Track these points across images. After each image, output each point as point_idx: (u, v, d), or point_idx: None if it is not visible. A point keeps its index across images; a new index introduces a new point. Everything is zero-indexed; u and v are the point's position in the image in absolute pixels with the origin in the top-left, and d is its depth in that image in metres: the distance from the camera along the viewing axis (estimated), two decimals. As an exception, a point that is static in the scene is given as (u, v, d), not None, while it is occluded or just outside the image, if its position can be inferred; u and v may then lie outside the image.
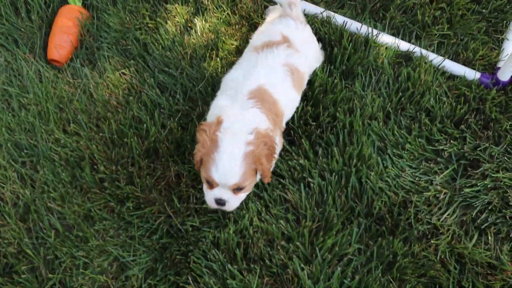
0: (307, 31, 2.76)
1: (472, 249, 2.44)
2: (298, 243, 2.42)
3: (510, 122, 2.76)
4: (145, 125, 2.78)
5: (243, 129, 2.21)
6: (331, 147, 2.68)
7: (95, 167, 2.71)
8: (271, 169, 2.43)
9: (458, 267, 2.44)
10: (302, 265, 2.39)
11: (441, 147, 2.69)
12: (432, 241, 2.47)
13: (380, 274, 2.38)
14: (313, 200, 2.56)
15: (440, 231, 2.51)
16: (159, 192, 2.63)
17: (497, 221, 2.52)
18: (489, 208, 2.55)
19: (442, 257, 2.44)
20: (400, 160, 2.67)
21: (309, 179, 2.60)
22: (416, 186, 2.61)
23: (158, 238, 2.52)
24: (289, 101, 2.55)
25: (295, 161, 2.64)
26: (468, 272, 2.41)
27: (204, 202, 2.45)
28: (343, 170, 2.61)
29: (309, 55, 2.70)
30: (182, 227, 2.53)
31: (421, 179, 2.63)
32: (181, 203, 2.60)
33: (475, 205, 2.56)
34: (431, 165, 2.66)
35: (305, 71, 2.65)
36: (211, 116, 2.40)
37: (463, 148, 2.69)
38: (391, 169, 2.64)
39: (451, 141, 2.71)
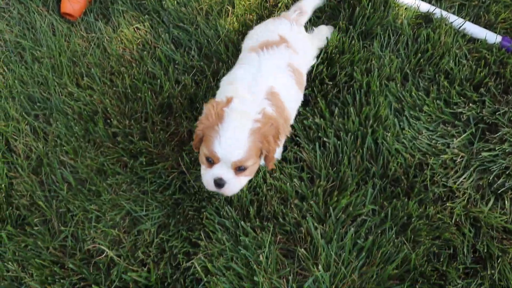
0: (302, 31, 2.72)
1: (487, 213, 2.41)
2: (312, 202, 2.39)
3: (530, 86, 2.72)
4: (159, 80, 2.75)
5: (252, 108, 2.13)
6: (347, 107, 2.65)
7: (108, 121, 2.69)
8: (276, 157, 2.37)
9: (473, 230, 2.41)
10: (315, 224, 2.36)
11: (459, 110, 2.65)
12: (447, 204, 2.44)
13: (394, 235, 2.36)
14: (328, 160, 2.53)
15: (456, 195, 2.48)
16: (172, 148, 2.61)
17: (514, 186, 2.49)
18: (507, 173, 2.51)
19: (457, 220, 2.42)
20: (417, 122, 2.63)
21: (325, 139, 2.57)
22: (433, 149, 2.57)
23: (171, 194, 2.51)
24: (295, 103, 2.50)
25: (310, 120, 2.61)
26: (483, 236, 2.38)
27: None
28: (359, 130, 2.58)
29: (307, 54, 2.66)
30: (195, 183, 2.51)
31: (438, 142, 2.59)
32: (193, 160, 2.58)
33: (492, 170, 2.52)
34: (449, 128, 2.62)
35: (303, 71, 2.58)
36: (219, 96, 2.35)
37: (481, 111, 2.65)
38: (408, 131, 2.60)
39: (470, 104, 2.67)
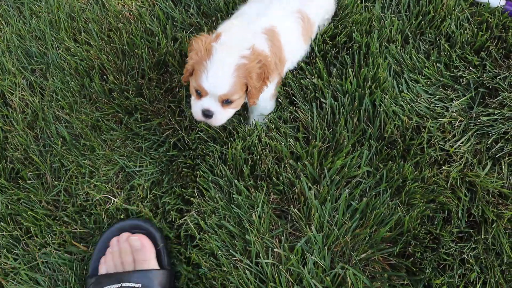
0: None
1: (484, 178, 2.39)
2: (306, 163, 2.37)
3: (532, 50, 2.68)
4: (156, 37, 2.73)
5: (240, 44, 2.17)
6: (345, 68, 2.62)
7: (105, 77, 2.68)
8: (261, 94, 2.38)
9: (469, 195, 2.38)
10: (309, 185, 2.35)
11: (459, 74, 2.61)
12: (443, 168, 2.42)
13: (388, 198, 2.34)
14: (325, 121, 2.51)
15: (453, 158, 2.45)
16: (168, 104, 2.59)
17: (512, 151, 2.46)
18: (505, 137, 2.48)
19: (453, 184, 2.39)
20: (416, 85, 2.60)
21: (322, 99, 2.54)
22: (431, 112, 2.54)
23: (165, 151, 2.50)
24: (294, 50, 2.54)
25: (308, 79, 2.58)
26: (478, 200, 2.35)
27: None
28: (357, 92, 2.54)
29: (322, 5, 2.68)
30: (189, 139, 2.50)
31: (437, 106, 2.56)
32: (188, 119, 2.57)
33: (490, 134, 2.49)
34: (448, 91, 2.59)
35: (315, 21, 2.61)
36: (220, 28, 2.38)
37: (482, 76, 2.61)
38: (406, 94, 2.57)
39: (471, 68, 2.63)
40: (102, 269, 2.23)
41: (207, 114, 2.23)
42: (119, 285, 2.09)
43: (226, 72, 2.12)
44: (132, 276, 2.14)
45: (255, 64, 2.15)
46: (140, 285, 2.09)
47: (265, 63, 2.19)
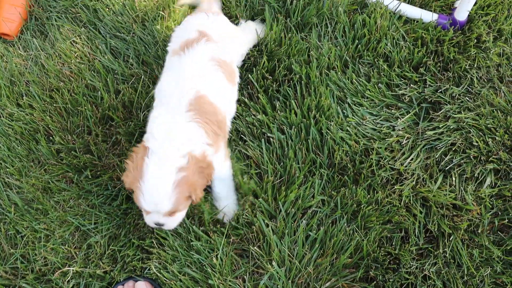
0: (222, 19, 2.62)
1: (436, 192, 2.42)
2: (260, 199, 2.38)
3: (469, 62, 2.73)
4: (99, 92, 2.73)
5: (173, 151, 1.98)
6: (289, 100, 2.64)
7: (51, 138, 2.67)
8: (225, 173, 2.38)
9: (424, 211, 2.42)
10: (266, 221, 2.36)
11: (401, 92, 2.66)
12: (396, 187, 2.45)
13: (345, 224, 2.36)
14: (274, 155, 2.52)
15: (404, 176, 2.48)
16: (117, 156, 2.59)
17: (461, 161, 2.49)
18: (453, 149, 2.52)
19: (407, 202, 2.42)
20: (360, 108, 2.63)
21: (269, 134, 2.56)
22: (378, 133, 2.57)
23: (118, 204, 2.49)
24: (229, 101, 2.41)
25: (253, 117, 2.60)
26: (433, 215, 2.39)
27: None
28: (302, 122, 2.57)
29: (233, 42, 2.55)
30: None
31: (383, 126, 2.60)
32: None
33: (438, 148, 2.53)
34: (392, 110, 2.63)
35: (232, 60, 2.49)
36: (148, 132, 2.15)
37: (423, 91, 2.66)
38: (352, 118, 2.60)
39: (411, 85, 2.68)
40: None
41: (159, 224, 2.11)
42: None
43: (164, 191, 1.95)
44: None
45: (197, 174, 2.00)
46: None
47: (207, 170, 2.05)
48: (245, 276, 2.28)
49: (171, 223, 2.13)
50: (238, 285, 2.25)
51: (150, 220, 2.10)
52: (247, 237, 2.38)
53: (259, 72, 2.70)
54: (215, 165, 2.15)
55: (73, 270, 2.37)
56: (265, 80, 2.70)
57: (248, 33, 2.78)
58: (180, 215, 2.14)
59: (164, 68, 2.39)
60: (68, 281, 2.35)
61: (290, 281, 2.24)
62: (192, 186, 1.99)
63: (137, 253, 2.39)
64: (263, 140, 2.55)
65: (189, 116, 2.07)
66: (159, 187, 1.94)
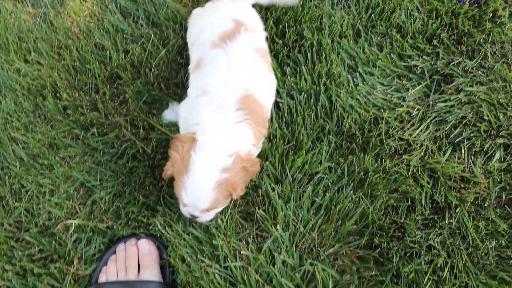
0: (247, 5, 2.57)
1: (445, 164, 2.40)
2: (267, 163, 2.37)
3: (483, 36, 2.70)
4: (107, 51, 2.71)
5: (221, 151, 1.94)
6: (299, 66, 2.62)
7: (58, 95, 2.65)
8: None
9: (431, 181, 2.40)
10: (272, 185, 2.34)
11: (413, 63, 2.63)
12: (404, 157, 2.43)
13: (351, 191, 2.35)
14: (283, 120, 2.50)
15: (413, 147, 2.46)
16: (123, 116, 2.57)
17: (471, 135, 2.47)
18: (463, 122, 2.50)
19: (414, 172, 2.40)
20: (371, 78, 2.61)
21: (278, 99, 2.54)
22: (388, 103, 2.55)
23: (124, 163, 2.48)
24: (272, 90, 2.34)
25: (263, 80, 2.58)
26: (440, 186, 2.37)
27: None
28: (312, 89, 2.55)
29: (261, 27, 2.50)
30: (148, 148, 2.48)
31: (393, 96, 2.57)
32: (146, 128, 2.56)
33: (448, 120, 2.50)
34: (404, 81, 2.60)
35: (267, 48, 2.43)
36: (184, 122, 2.19)
37: (436, 63, 2.64)
38: (362, 87, 2.58)
39: (424, 56, 2.65)
40: (102, 278, 2.21)
41: (194, 216, 2.11)
42: None
43: (206, 190, 1.93)
44: (134, 286, 2.11)
45: (240, 175, 1.98)
46: None
47: (251, 169, 2.03)
48: (249, 239, 2.27)
49: (206, 217, 2.14)
50: (242, 247, 2.24)
51: (186, 211, 2.11)
52: (253, 201, 2.36)
53: (268, 35, 2.68)
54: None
55: (75, 223, 2.35)
56: (275, 44, 2.68)
57: None
58: (216, 211, 2.17)
59: (204, 61, 2.25)
60: (71, 234, 2.34)
61: (294, 246, 2.23)
62: (233, 185, 1.96)
63: (142, 211, 2.38)
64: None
65: (239, 116, 2.02)
66: (202, 186, 1.93)
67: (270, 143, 2.45)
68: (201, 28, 2.41)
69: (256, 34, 2.34)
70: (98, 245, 2.33)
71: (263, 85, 2.21)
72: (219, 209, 2.18)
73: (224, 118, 2.01)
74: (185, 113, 2.22)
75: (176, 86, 2.65)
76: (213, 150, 1.93)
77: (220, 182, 1.92)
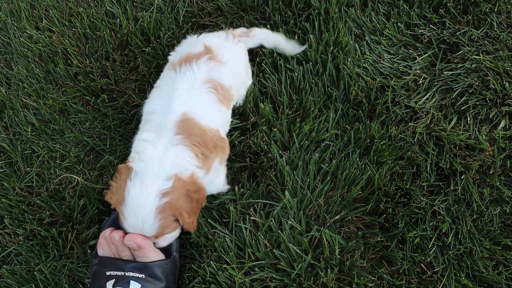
0: (240, 47, 2.43)
1: (450, 131, 2.42)
2: (275, 130, 2.40)
3: (489, 5, 2.70)
4: (118, 19, 2.73)
5: (157, 174, 1.86)
6: (307, 35, 2.64)
7: (69, 61, 2.69)
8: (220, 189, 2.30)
9: (436, 149, 2.42)
10: (280, 152, 2.37)
11: (420, 32, 2.64)
12: (410, 124, 2.45)
13: (357, 158, 2.37)
14: (292, 88, 2.52)
15: (419, 115, 2.48)
16: (134, 82, 2.60)
17: (477, 103, 2.48)
18: (469, 91, 2.51)
19: (420, 139, 2.42)
20: (378, 46, 2.63)
21: (287, 65, 2.56)
22: (395, 71, 2.57)
23: (133, 128, 2.51)
24: (220, 121, 2.19)
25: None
26: (446, 154, 2.39)
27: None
28: (320, 57, 2.57)
29: (238, 71, 2.36)
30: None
31: (400, 65, 2.59)
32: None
33: (455, 89, 2.52)
34: (410, 50, 2.62)
35: (231, 86, 2.24)
36: (133, 152, 2.04)
37: (442, 32, 2.64)
38: (369, 56, 2.59)
39: (430, 26, 2.66)
40: (100, 251, 2.11)
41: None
42: (122, 273, 2.06)
43: (146, 218, 1.85)
44: (135, 267, 2.10)
45: (183, 198, 1.89)
46: (143, 275, 2.05)
47: (196, 194, 1.94)
48: (256, 206, 2.30)
49: (162, 242, 2.02)
50: (251, 213, 2.27)
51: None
52: (262, 165, 2.39)
53: (275, 4, 2.69)
54: (209, 185, 2.08)
55: (79, 179, 2.39)
56: (282, 12, 2.70)
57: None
58: (171, 236, 2.03)
59: (158, 81, 2.22)
60: (78, 197, 2.38)
61: (301, 212, 2.26)
62: (178, 210, 1.88)
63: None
64: (282, 71, 2.55)
65: (176, 139, 1.93)
66: (141, 213, 1.85)
67: (276, 112, 2.48)
68: (178, 47, 2.36)
69: (222, 68, 2.19)
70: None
71: (205, 111, 2.07)
72: (175, 233, 2.03)
73: (160, 143, 1.92)
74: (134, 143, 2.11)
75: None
76: (148, 176, 1.85)
77: (162, 207, 1.84)
